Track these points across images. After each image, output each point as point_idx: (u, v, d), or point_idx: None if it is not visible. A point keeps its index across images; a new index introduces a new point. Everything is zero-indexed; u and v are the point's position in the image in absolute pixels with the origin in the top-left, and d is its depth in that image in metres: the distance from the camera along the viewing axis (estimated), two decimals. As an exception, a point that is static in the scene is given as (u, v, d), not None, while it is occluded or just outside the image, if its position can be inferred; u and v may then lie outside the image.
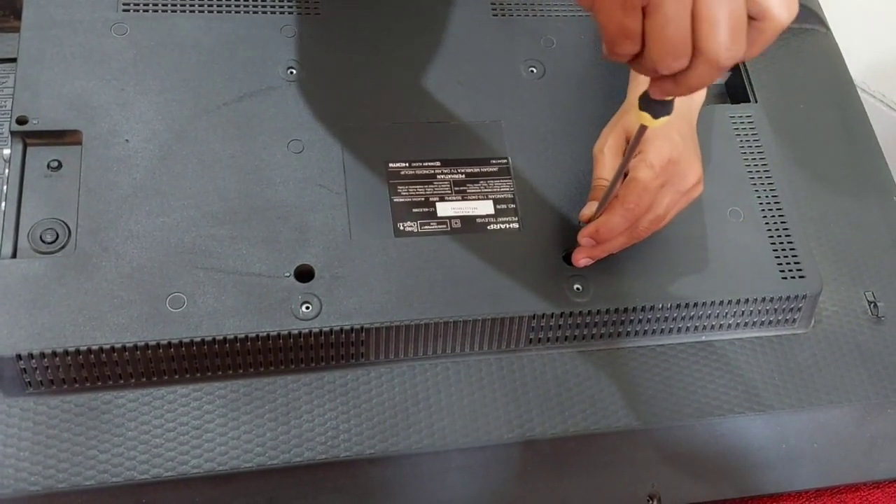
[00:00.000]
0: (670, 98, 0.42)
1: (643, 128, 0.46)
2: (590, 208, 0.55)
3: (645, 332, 0.59)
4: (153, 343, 0.50)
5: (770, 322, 0.60)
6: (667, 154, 0.53)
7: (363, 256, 0.55)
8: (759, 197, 0.62)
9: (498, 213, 0.59)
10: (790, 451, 0.59)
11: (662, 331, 0.59)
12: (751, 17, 0.37)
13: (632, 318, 0.57)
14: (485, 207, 0.59)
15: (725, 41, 0.36)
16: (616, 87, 0.65)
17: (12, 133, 0.55)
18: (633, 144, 0.49)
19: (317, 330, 0.52)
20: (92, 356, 0.50)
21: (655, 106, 0.43)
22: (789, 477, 0.59)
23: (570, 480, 0.56)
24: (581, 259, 0.56)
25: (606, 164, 0.56)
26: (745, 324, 0.60)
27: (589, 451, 0.56)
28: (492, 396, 0.55)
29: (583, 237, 0.54)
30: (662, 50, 0.37)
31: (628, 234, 0.54)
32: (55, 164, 0.55)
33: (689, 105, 0.58)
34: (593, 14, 0.39)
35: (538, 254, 0.57)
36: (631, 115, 0.57)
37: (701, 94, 0.60)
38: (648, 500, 0.57)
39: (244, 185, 0.56)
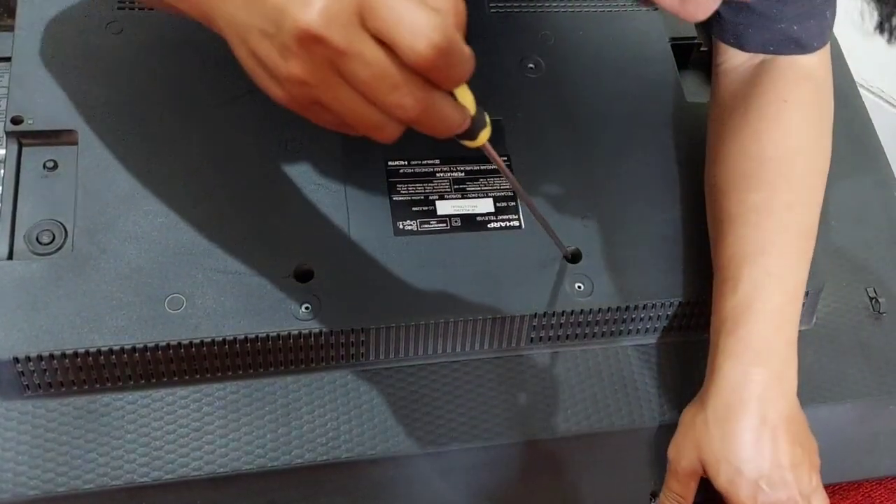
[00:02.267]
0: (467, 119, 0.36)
1: (480, 149, 0.39)
2: None
3: (646, 331, 0.58)
4: (152, 345, 0.50)
5: (771, 319, 0.60)
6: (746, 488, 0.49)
7: (362, 256, 0.55)
8: (759, 193, 0.62)
9: (498, 211, 0.58)
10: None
11: (664, 329, 0.59)
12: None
13: (633, 316, 0.57)
14: (485, 205, 0.58)
15: (386, 91, 0.32)
16: (615, 82, 0.65)
17: (7, 133, 0.54)
18: (498, 167, 0.43)
19: (316, 330, 0.52)
20: (90, 358, 0.49)
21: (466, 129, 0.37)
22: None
23: (572, 480, 0.56)
24: None
25: (680, 481, 0.53)
26: (747, 321, 0.60)
27: (591, 450, 0.56)
28: (493, 396, 0.55)
29: None
30: (358, 127, 0.34)
31: None
32: (51, 164, 0.55)
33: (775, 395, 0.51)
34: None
35: (539, 252, 0.57)
36: (699, 431, 0.52)
37: (787, 380, 0.52)
38: (651, 498, 0.56)
39: (242, 184, 0.56)
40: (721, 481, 0.50)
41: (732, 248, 0.54)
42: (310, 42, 0.32)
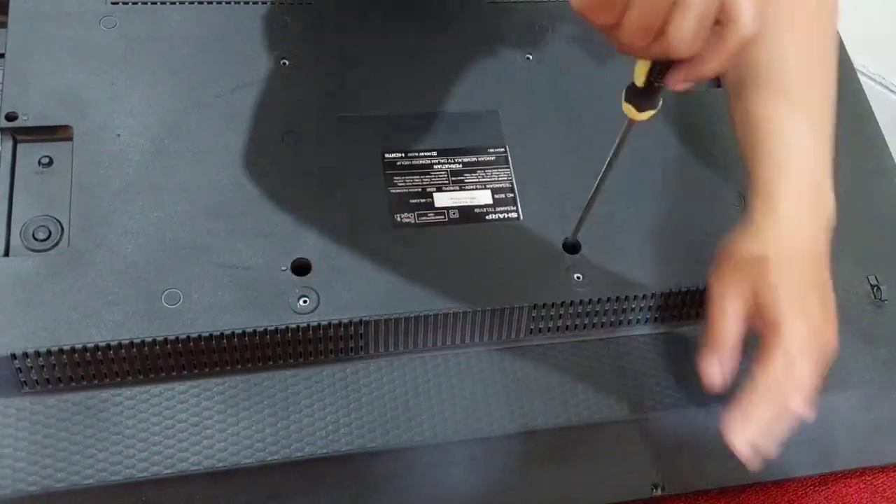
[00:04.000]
0: (656, 92, 0.42)
1: (630, 121, 0.45)
2: (710, 364, 0.52)
3: (646, 321, 0.58)
4: (149, 340, 0.50)
5: (772, 308, 0.60)
6: (801, 334, 0.50)
7: (361, 249, 0.54)
8: (759, 182, 0.62)
9: (496, 202, 0.58)
10: (794, 438, 0.58)
11: (664, 319, 0.58)
12: (717, 22, 0.38)
13: (633, 306, 0.57)
14: (483, 197, 0.58)
15: (688, 30, 0.37)
16: (612, 72, 0.65)
17: (1, 130, 0.54)
18: (620, 140, 0.48)
19: (315, 324, 0.52)
20: (88, 354, 0.49)
21: (641, 99, 0.42)
22: (794, 463, 0.59)
23: (572, 470, 0.56)
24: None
25: (728, 319, 0.52)
26: (748, 310, 0.59)
27: (591, 440, 0.55)
28: (493, 387, 0.55)
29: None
30: (633, 31, 0.38)
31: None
32: (46, 160, 0.55)
33: (815, 236, 0.54)
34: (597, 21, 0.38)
35: (538, 243, 0.57)
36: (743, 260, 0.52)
37: (822, 227, 0.55)
38: (653, 489, 0.56)
39: (239, 177, 0.55)
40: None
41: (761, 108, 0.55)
42: None
